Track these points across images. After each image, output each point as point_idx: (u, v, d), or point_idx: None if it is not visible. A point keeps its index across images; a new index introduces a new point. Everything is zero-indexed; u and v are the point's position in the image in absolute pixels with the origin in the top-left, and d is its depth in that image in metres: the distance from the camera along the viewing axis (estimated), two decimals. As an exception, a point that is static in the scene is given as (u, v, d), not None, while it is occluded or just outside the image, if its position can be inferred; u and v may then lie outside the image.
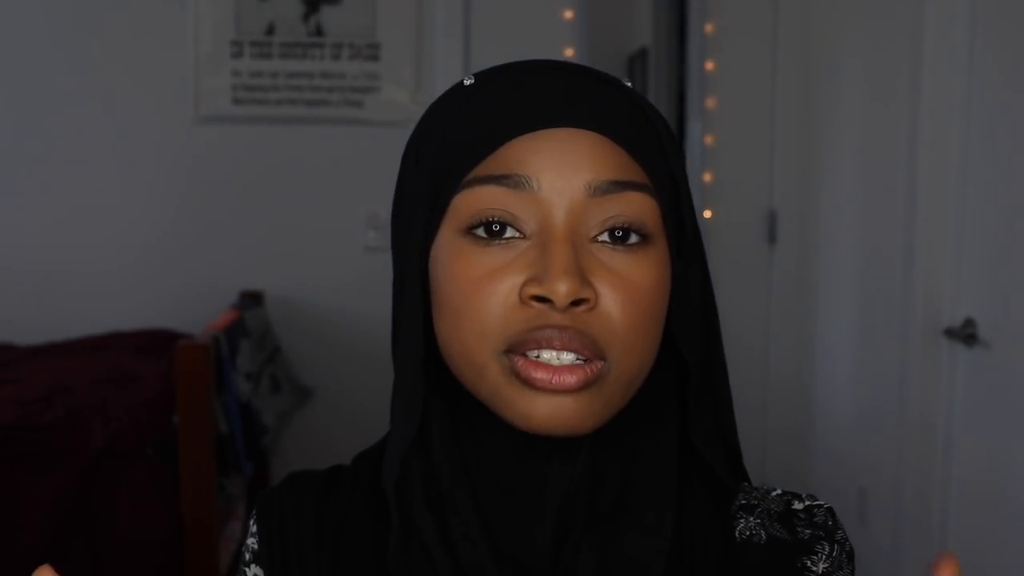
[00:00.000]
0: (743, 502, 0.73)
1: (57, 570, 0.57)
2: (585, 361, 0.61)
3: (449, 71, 3.20)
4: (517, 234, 0.62)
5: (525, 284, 0.60)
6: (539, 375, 0.60)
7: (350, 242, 3.31)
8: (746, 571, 0.69)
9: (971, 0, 2.21)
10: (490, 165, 0.62)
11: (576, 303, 0.60)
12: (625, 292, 0.62)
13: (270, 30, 3.25)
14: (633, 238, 0.63)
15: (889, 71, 2.60)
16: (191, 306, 3.23)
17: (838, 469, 3.04)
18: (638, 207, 0.63)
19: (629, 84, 0.67)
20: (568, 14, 3.29)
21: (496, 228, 0.62)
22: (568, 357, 0.61)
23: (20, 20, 3.26)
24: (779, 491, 0.74)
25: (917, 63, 2.36)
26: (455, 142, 0.64)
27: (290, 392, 3.13)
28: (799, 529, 0.71)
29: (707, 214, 3.45)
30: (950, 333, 2.27)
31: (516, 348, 0.61)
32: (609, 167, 0.62)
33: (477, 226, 0.62)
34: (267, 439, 2.79)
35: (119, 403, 2.51)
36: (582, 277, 0.60)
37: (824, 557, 0.70)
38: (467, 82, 0.66)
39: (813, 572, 0.70)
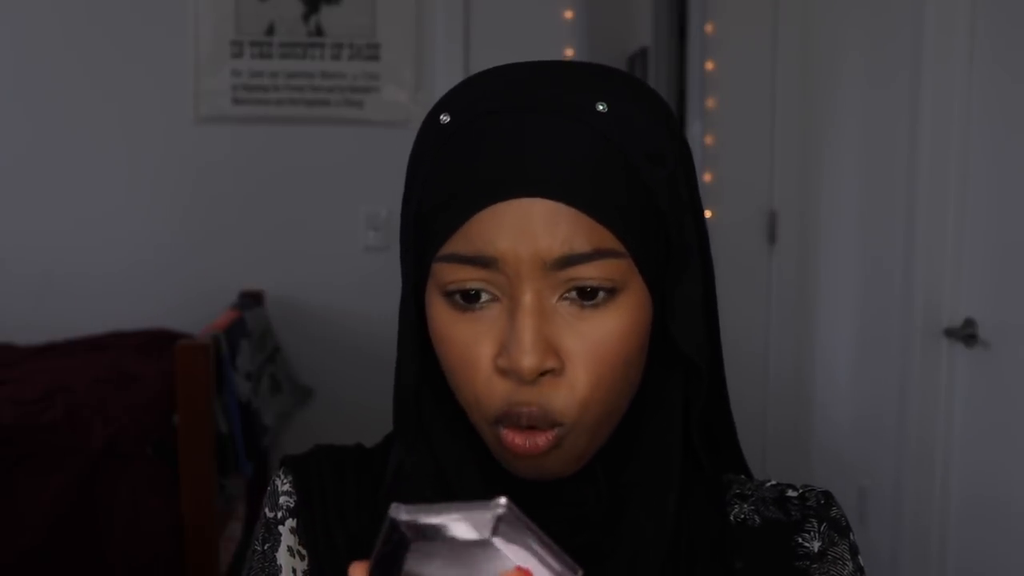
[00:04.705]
0: (737, 491, 0.78)
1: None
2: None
3: (449, 71, 3.20)
4: (491, 297, 0.67)
5: (498, 355, 0.67)
6: (517, 441, 0.67)
7: (350, 242, 3.31)
8: (742, 552, 0.74)
9: (971, 3, 2.21)
10: (458, 243, 0.67)
11: (543, 371, 0.66)
12: (591, 350, 0.67)
13: (270, 30, 3.25)
14: (599, 295, 0.67)
15: (889, 71, 2.60)
16: (191, 306, 3.23)
17: (838, 469, 3.04)
18: (599, 271, 0.66)
19: (602, 107, 0.67)
20: (568, 14, 3.29)
21: (472, 294, 0.68)
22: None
23: (19, 20, 3.26)
24: (773, 482, 0.78)
25: (917, 63, 2.36)
26: (430, 201, 0.69)
27: (290, 392, 3.13)
28: (792, 512, 0.75)
29: (707, 214, 3.44)
30: (950, 333, 2.27)
31: (499, 420, 0.68)
32: (566, 240, 0.65)
33: (455, 293, 0.68)
34: (267, 439, 2.79)
35: (119, 403, 2.50)
36: (545, 348, 0.66)
37: (816, 535, 0.74)
38: (443, 120, 0.69)
39: (807, 550, 0.74)
